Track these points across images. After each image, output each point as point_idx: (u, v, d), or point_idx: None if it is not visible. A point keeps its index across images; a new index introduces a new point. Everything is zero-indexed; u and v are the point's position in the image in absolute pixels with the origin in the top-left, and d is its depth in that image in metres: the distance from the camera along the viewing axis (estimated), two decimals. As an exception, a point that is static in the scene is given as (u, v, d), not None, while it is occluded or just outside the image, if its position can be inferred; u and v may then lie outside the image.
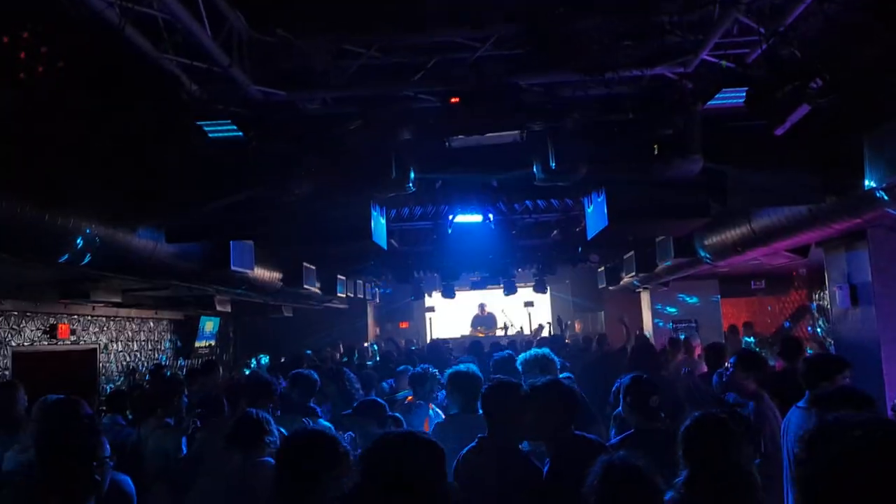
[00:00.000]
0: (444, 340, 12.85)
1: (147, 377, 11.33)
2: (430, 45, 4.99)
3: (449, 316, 18.85)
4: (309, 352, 12.55)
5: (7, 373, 8.61)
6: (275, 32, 4.56)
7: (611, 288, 14.27)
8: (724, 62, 5.02)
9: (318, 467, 2.29)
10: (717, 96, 5.29)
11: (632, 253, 11.35)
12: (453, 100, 4.69)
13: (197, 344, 13.43)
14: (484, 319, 18.39)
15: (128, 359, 11.75)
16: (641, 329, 14.40)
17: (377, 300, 17.35)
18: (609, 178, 5.44)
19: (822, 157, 5.80)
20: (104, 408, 6.97)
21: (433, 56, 5.01)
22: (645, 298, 14.66)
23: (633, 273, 11.64)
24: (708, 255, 9.07)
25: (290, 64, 4.74)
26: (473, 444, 3.58)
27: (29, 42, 2.91)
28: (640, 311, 14.95)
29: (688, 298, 13.78)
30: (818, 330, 13.49)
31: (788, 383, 5.55)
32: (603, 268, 13.69)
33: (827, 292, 12.87)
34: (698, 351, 11.07)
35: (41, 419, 4.77)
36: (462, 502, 2.99)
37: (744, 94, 5.04)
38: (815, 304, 13.72)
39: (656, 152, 4.94)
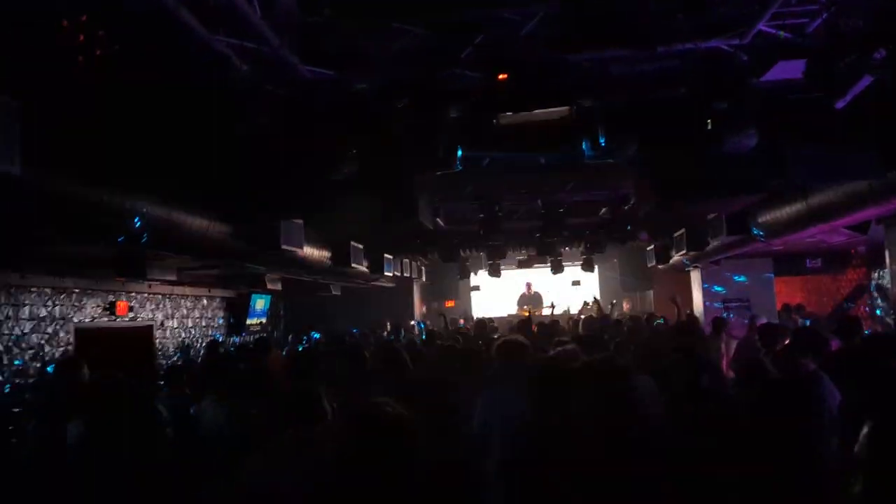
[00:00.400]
0: (490, 319, 12.85)
1: (202, 353, 11.64)
2: (478, 21, 4.95)
3: (495, 295, 18.84)
4: (355, 329, 12.75)
5: (70, 348, 8.94)
6: (323, 12, 4.57)
7: (660, 267, 14.05)
8: (781, 33, 4.85)
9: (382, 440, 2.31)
10: (773, 69, 5.15)
11: (682, 231, 11.15)
12: (501, 76, 4.65)
13: (248, 321, 13.72)
14: (531, 298, 18.33)
15: (182, 335, 12.08)
16: (691, 309, 14.18)
17: (423, 279, 17.42)
18: (661, 154, 5.33)
19: (884, 131, 5.59)
20: (162, 383, 7.19)
21: (480, 33, 4.96)
22: (695, 277, 14.41)
23: (684, 251, 11.43)
24: (762, 233, 8.85)
25: (338, 43, 4.75)
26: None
27: (87, 25, 2.99)
28: (689, 291, 14.71)
29: (739, 277, 13.49)
30: (877, 311, 13.07)
31: (843, 363, 5.42)
32: (652, 246, 13.49)
33: (887, 271, 12.52)
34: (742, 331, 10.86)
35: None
36: None
37: (802, 66, 4.89)
38: (874, 283, 13.28)
39: (710, 127, 4.82)
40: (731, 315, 13.20)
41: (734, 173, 6.16)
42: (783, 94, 5.65)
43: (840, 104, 4.48)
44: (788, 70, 5.21)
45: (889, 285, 12.38)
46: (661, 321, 9.64)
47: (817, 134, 5.83)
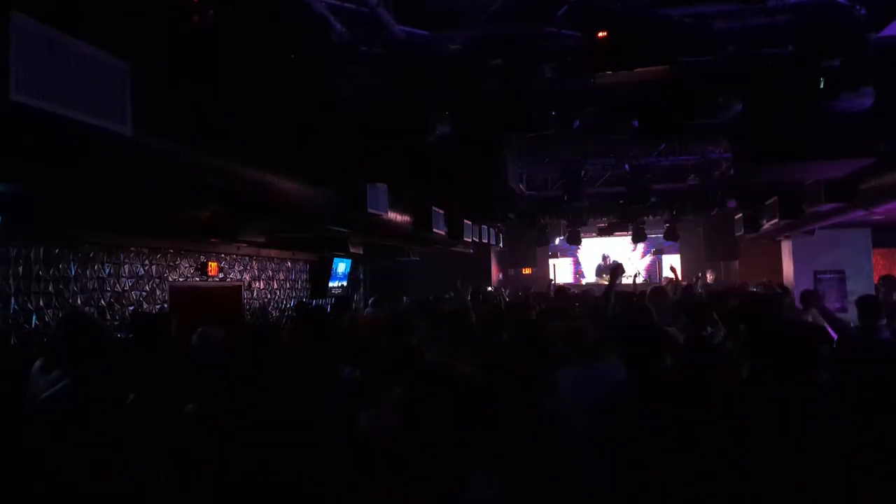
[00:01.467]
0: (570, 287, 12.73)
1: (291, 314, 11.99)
2: (575, -23, 4.81)
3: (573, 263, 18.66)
4: (431, 298, 12.84)
5: (165, 305, 9.35)
6: (418, -30, 4.52)
7: (748, 236, 13.55)
8: (905, -17, 4.53)
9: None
10: (893, 23, 4.82)
11: (775, 198, 10.69)
12: (601, 34, 4.50)
13: (330, 284, 14.02)
14: (607, 268, 18.11)
15: (268, 296, 12.45)
16: (781, 281, 13.67)
17: (501, 245, 17.36)
18: (767, 115, 5.08)
19: None
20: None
21: (578, -11, 4.83)
22: (786, 248, 13.84)
23: (776, 220, 10.96)
24: (865, 201, 8.39)
25: (433, 3, 4.70)
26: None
27: (201, -14, 3.05)
28: (780, 262, 14.15)
29: (835, 248, 12.87)
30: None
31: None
32: (741, 214, 13.00)
33: None
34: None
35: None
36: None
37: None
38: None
39: (822, 86, 4.56)
40: (823, 288, 12.65)
41: (841, 136, 5.84)
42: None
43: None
44: (909, 24, 4.88)
45: None
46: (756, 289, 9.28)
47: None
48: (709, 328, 5.18)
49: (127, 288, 8.71)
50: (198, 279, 10.24)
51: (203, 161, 5.12)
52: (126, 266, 8.73)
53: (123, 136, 3.94)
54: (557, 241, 17.55)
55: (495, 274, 18.17)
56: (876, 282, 12.53)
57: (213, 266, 10.49)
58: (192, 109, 4.55)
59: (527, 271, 18.58)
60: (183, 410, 3.22)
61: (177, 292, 9.68)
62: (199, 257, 10.27)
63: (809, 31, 4.74)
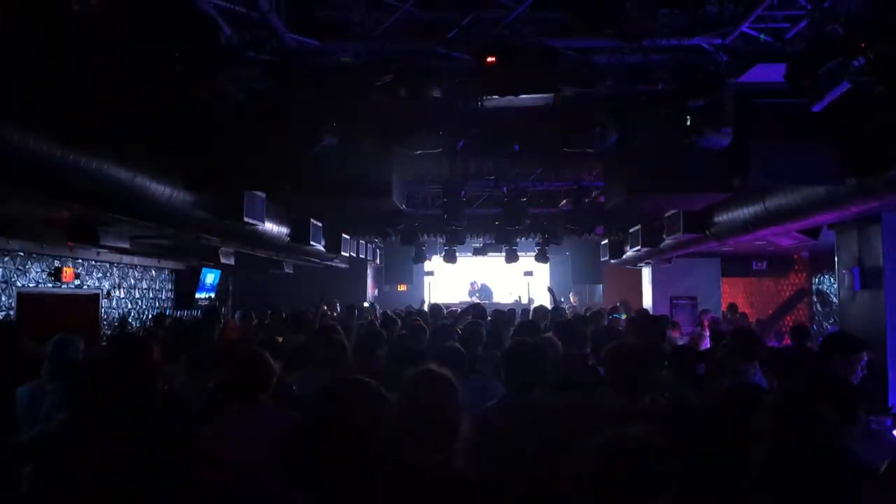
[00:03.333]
0: (446, 306, 12.87)
1: (148, 325, 11.33)
2: (467, 2, 4.92)
3: (447, 281, 18.93)
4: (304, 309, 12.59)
5: (12, 313, 8.60)
6: (313, -21, 4.47)
7: (612, 262, 14.30)
8: (762, 36, 4.97)
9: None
10: (751, 71, 5.28)
11: (638, 227, 11.36)
12: (489, 59, 4.63)
13: (197, 295, 13.43)
14: (481, 289, 18.58)
15: (129, 306, 11.74)
16: (640, 305, 14.50)
17: (377, 261, 17.33)
18: (638, 147, 5.41)
19: (848, 138, 5.80)
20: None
21: (469, 13, 4.94)
22: (646, 274, 14.71)
23: (638, 247, 11.65)
24: (718, 232, 9.09)
25: (326, 14, 4.66)
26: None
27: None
28: (639, 287, 15.02)
29: (689, 276, 13.83)
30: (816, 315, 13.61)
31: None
32: (607, 240, 13.71)
33: (826, 276, 13.01)
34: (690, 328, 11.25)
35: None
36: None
37: (778, 69, 5.01)
38: (814, 287, 13.82)
39: (689, 123, 4.91)
40: (677, 313, 13.55)
41: (702, 171, 6.31)
42: (752, 97, 5.82)
43: (817, 108, 4.61)
44: (763, 73, 5.36)
45: (829, 290, 12.91)
46: (618, 316, 9.80)
47: (783, 138, 6.02)
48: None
49: (-33, 292, 7.95)
50: (50, 285, 9.49)
51: (62, 154, 4.76)
52: (-33, 268, 7.97)
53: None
54: (433, 258, 17.75)
55: (370, 290, 18.10)
56: (723, 308, 13.60)
57: (68, 272, 9.76)
58: (56, 99, 4.25)
59: (402, 288, 18.64)
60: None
61: (26, 299, 8.92)
62: (53, 262, 9.53)
63: (678, 72, 5.10)
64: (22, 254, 8.88)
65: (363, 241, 14.34)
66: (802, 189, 6.67)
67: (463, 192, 9.39)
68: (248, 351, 3.73)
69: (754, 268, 13.75)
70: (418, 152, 5.44)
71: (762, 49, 5.04)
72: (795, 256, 14.01)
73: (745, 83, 5.54)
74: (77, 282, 10.12)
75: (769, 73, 5.25)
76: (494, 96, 4.84)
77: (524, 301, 16.77)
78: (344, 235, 12.23)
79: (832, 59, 4.29)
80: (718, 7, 4.85)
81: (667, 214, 9.95)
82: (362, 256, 14.63)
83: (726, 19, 4.89)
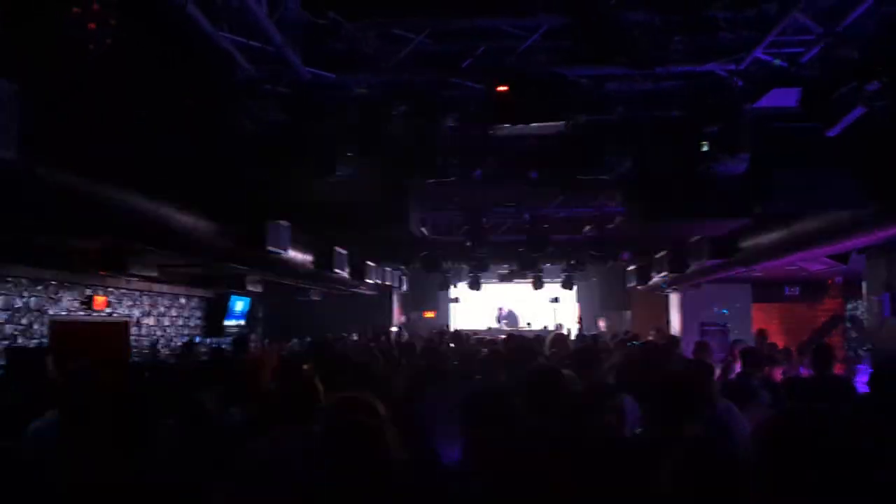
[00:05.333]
0: (473, 332, 12.87)
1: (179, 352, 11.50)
2: (479, 32, 5.00)
3: (474, 307, 18.89)
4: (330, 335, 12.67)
5: (44, 341, 8.80)
6: (327, 14, 4.58)
7: (639, 287, 14.16)
8: (777, 60, 4.95)
9: None
10: (766, 96, 5.25)
11: (664, 252, 11.26)
12: (501, 88, 4.68)
13: (226, 322, 13.59)
14: (507, 315, 18.52)
15: (158, 333, 11.93)
16: (667, 330, 14.30)
17: (403, 288, 17.39)
18: (652, 173, 5.40)
19: (870, 162, 5.71)
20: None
21: (481, 44, 5.01)
22: (674, 300, 14.53)
23: (665, 273, 11.53)
24: (744, 258, 8.96)
25: (340, 47, 4.77)
26: None
27: (99, 13, 2.97)
28: (667, 313, 14.83)
29: (718, 302, 13.62)
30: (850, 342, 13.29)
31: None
32: (633, 266, 13.59)
33: (861, 302, 12.73)
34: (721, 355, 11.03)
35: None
36: None
37: (795, 93, 4.99)
38: (848, 313, 13.51)
39: (705, 149, 4.89)
40: (708, 339, 13.32)
41: (720, 197, 6.26)
42: (771, 122, 5.78)
43: (832, 132, 4.57)
44: (780, 98, 5.32)
45: (863, 316, 12.61)
46: (634, 343, 9.68)
47: (803, 163, 5.96)
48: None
49: (1, 321, 8.15)
50: (82, 313, 9.70)
51: (93, 189, 4.92)
52: (1, 297, 8.18)
53: (5, 159, 3.75)
54: (459, 286, 17.77)
55: (397, 316, 18.14)
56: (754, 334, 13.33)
57: (99, 300, 9.98)
58: (85, 136, 4.39)
59: (429, 315, 18.65)
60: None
61: (58, 327, 9.13)
62: (85, 290, 9.75)
63: (692, 99, 5.10)
64: (55, 283, 9.10)
65: (388, 269, 14.42)
66: (828, 214, 6.57)
67: (484, 219, 9.42)
68: (301, 375, 3.72)
69: (787, 293, 13.49)
70: (433, 181, 5.50)
71: (777, 74, 5.02)
72: (829, 282, 13.73)
73: (763, 108, 5.51)
74: (108, 310, 10.33)
75: (786, 97, 5.23)
76: (506, 125, 4.88)
77: (551, 328, 16.64)
78: (368, 263, 12.32)
79: (846, 84, 4.26)
80: (731, 33, 4.85)
81: (692, 240, 9.86)
82: (388, 283, 14.69)
83: (740, 45, 4.89)
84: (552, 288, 16.62)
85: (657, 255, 11.81)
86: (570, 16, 4.68)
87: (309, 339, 11.83)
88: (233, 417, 4.57)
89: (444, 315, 18.99)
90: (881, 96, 4.15)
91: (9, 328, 8.27)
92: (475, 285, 15.08)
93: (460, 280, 17.18)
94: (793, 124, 5.80)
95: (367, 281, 12.71)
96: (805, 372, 8.61)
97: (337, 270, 10.51)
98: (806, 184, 6.09)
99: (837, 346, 13.17)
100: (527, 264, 13.12)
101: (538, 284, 15.10)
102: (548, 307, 17.79)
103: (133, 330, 11.11)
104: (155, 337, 11.81)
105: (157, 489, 2.74)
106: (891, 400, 4.23)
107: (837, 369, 9.10)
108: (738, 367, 9.77)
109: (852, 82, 4.23)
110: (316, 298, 14.16)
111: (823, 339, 13.86)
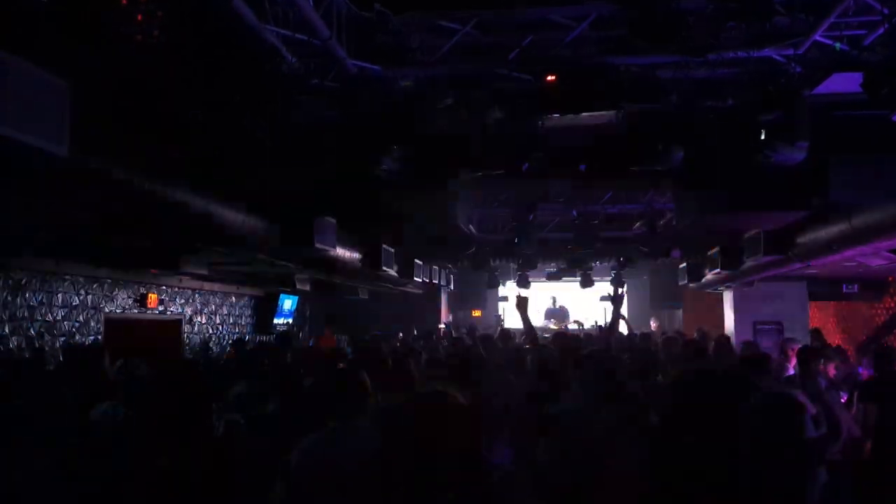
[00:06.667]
0: (517, 331, 12.71)
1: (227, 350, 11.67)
2: (527, 23, 4.92)
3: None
4: (379, 332, 12.70)
5: (99, 337, 9.02)
6: (373, 7, 4.56)
7: (691, 285, 13.83)
8: (837, 44, 4.75)
9: None
10: (826, 81, 5.04)
11: (717, 249, 10.96)
12: (549, 78, 4.60)
13: (275, 321, 13.75)
14: (556, 312, 18.22)
15: (210, 331, 12.14)
16: (722, 330, 13.95)
17: (451, 286, 17.34)
18: (707, 165, 5.23)
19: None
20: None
21: (529, 34, 4.94)
22: (727, 298, 14.15)
23: (718, 270, 11.23)
24: (801, 253, 8.65)
25: (387, 40, 4.75)
26: None
27: (146, 5, 2.99)
28: (721, 311, 14.45)
29: (774, 300, 13.20)
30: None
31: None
32: (685, 264, 13.28)
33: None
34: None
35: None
36: None
37: (857, 78, 4.77)
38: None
39: (763, 137, 4.72)
40: (761, 339, 12.94)
41: (777, 188, 6.05)
42: (831, 109, 5.55)
43: (897, 118, 4.35)
44: (842, 83, 5.10)
45: (928, 314, 12.09)
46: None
47: (865, 151, 5.71)
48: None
49: (59, 318, 8.38)
50: (136, 311, 9.92)
51: (144, 186, 4.99)
52: (59, 295, 8.41)
53: (59, 156, 3.82)
54: (507, 284, 17.62)
55: (445, 315, 18.11)
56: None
57: (152, 298, 10.19)
58: (134, 133, 4.45)
59: (476, 313, 18.56)
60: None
61: (112, 324, 9.35)
62: (139, 288, 9.97)
63: (748, 86, 4.93)
64: (109, 281, 9.32)
65: (436, 267, 14.39)
66: (891, 205, 6.29)
67: (531, 216, 9.31)
68: (350, 370, 3.70)
69: (844, 291, 12.99)
70: (480, 174, 5.44)
71: (838, 58, 4.82)
72: (890, 279, 13.19)
73: (823, 94, 5.30)
74: (161, 307, 10.54)
75: (847, 83, 5.01)
76: (556, 115, 4.79)
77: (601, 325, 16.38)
78: (416, 261, 12.31)
79: (913, 66, 4.06)
80: (789, 16, 4.67)
81: (746, 235, 9.56)
82: (436, 282, 14.66)
83: (798, 29, 4.72)
84: (603, 286, 16.37)
85: (709, 252, 11.51)
86: (621, 3, 4.57)
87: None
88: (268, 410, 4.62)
89: (492, 314, 18.85)
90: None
91: (66, 325, 8.50)
92: (524, 283, 14.94)
93: (508, 278, 17.04)
94: (854, 112, 5.57)
95: (415, 279, 12.70)
96: (864, 371, 8.28)
97: (384, 268, 10.53)
98: (868, 174, 5.85)
99: (899, 345, 12.67)
100: (576, 262, 12.94)
101: (587, 282, 14.88)
102: (599, 305, 17.50)
103: (185, 328, 11.32)
104: (207, 335, 12.01)
105: (214, 477, 2.77)
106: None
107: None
108: (790, 367, 9.47)
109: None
110: (364, 297, 14.22)
111: (883, 339, 13.35)
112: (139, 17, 3.01)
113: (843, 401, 5.32)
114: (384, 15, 4.52)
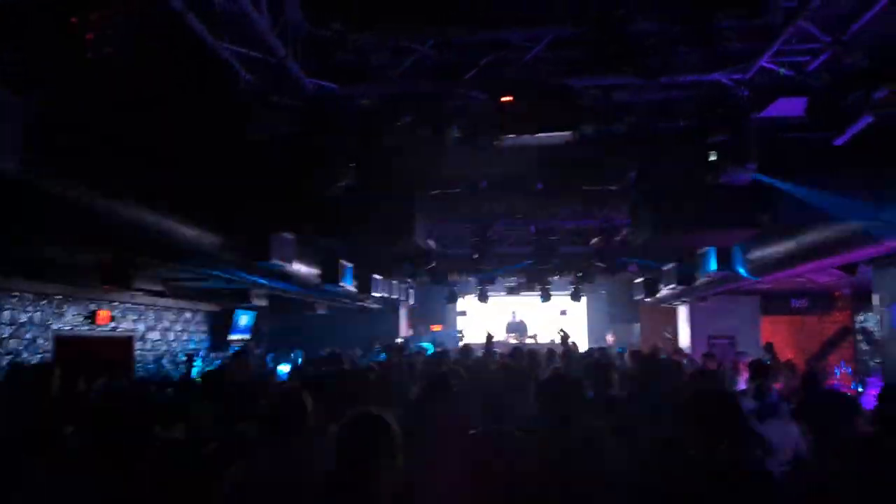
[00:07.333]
0: (477, 346, 12.74)
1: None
2: (485, 43, 4.97)
3: (483, 319, 18.76)
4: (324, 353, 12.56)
5: (49, 355, 8.77)
6: (330, 26, 4.56)
7: (647, 300, 14.06)
8: (782, 70, 4.91)
9: None
10: (773, 105, 5.20)
11: (672, 265, 11.17)
12: (506, 98, 4.65)
13: (231, 337, 13.54)
14: (516, 325, 18.33)
15: (163, 348, 11.89)
16: (676, 343, 14.20)
17: (411, 301, 17.32)
18: (659, 183, 5.35)
19: (879, 172, 5.65)
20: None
21: (487, 54, 4.99)
22: (682, 313, 14.43)
23: (673, 285, 11.45)
24: (751, 270, 8.88)
25: (345, 58, 4.75)
26: None
27: (97, 23, 2.95)
28: (676, 325, 14.72)
29: (727, 314, 13.50)
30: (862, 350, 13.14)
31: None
32: (641, 279, 13.50)
33: (871, 314, 12.59)
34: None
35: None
36: None
37: (801, 103, 4.94)
38: (858, 325, 13.38)
39: (712, 159, 4.85)
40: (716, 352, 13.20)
41: (727, 208, 6.21)
42: (777, 132, 5.73)
43: (839, 141, 4.52)
44: (787, 107, 5.27)
45: (873, 328, 12.48)
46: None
47: (810, 173, 5.90)
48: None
49: (5, 336, 8.13)
50: (86, 328, 9.67)
51: (96, 201, 4.89)
52: (6, 312, 8.16)
53: (9, 170, 3.73)
54: (467, 298, 17.66)
55: (405, 330, 18.05)
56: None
57: (103, 314, 9.95)
58: (87, 149, 4.37)
59: (436, 328, 18.56)
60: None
61: (62, 342, 9.10)
62: (89, 304, 9.73)
63: (699, 109, 5.06)
64: (59, 297, 9.08)
65: (395, 282, 14.35)
66: (836, 224, 6.50)
67: (489, 232, 9.37)
68: (288, 389, 3.70)
69: (794, 305, 13.38)
70: (438, 192, 5.46)
71: (783, 83, 4.98)
72: (837, 293, 13.61)
73: (770, 117, 5.47)
74: (112, 324, 10.30)
75: (793, 107, 5.18)
76: (512, 135, 4.84)
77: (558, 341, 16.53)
78: (375, 276, 12.26)
79: (853, 92, 4.21)
80: (738, 42, 4.81)
81: (699, 252, 9.78)
82: (395, 297, 14.61)
83: (746, 54, 4.85)
84: (561, 300, 16.53)
85: (665, 268, 11.72)
86: (577, 26, 4.66)
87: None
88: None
89: (452, 328, 18.85)
90: (889, 104, 4.10)
91: (13, 343, 8.25)
92: (483, 298, 15.00)
93: (468, 293, 17.08)
94: (800, 134, 5.76)
95: (374, 294, 12.63)
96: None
97: (343, 284, 10.46)
98: (812, 194, 6.03)
99: (848, 358, 13.05)
100: (535, 277, 13.04)
101: (546, 297, 15.00)
102: (557, 320, 17.65)
103: (138, 344, 11.08)
104: (160, 352, 11.77)
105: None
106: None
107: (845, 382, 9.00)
108: (741, 380, 9.69)
109: (860, 90, 4.18)
110: (321, 312, 14.10)
111: (832, 352, 13.73)
112: (89, 36, 2.97)
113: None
114: (341, 34, 4.52)
